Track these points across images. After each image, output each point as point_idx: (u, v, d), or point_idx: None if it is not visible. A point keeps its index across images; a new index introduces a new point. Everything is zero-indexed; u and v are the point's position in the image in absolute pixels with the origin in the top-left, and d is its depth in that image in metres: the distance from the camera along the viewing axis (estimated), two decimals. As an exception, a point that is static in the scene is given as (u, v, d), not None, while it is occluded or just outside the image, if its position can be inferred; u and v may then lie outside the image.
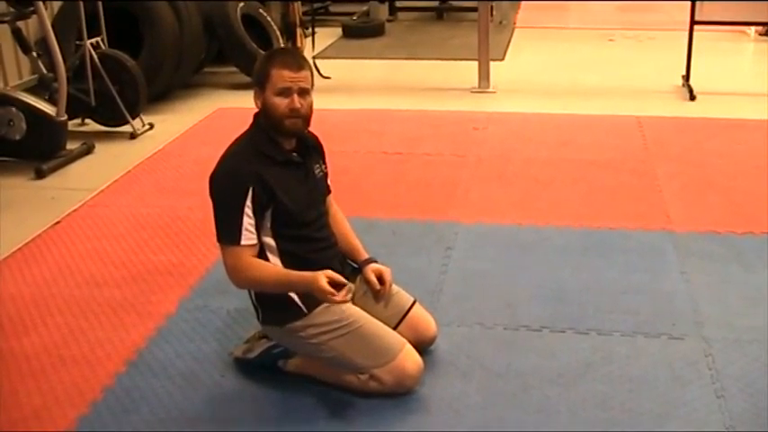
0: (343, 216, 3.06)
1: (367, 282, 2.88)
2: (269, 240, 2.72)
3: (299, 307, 2.71)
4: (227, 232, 2.66)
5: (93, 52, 5.46)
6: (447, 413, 2.68)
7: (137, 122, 5.69)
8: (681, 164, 4.90)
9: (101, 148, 5.40)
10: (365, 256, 2.94)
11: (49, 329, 3.22)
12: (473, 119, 5.87)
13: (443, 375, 2.86)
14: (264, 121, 2.73)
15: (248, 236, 2.65)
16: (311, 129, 2.85)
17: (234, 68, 6.92)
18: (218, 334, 3.16)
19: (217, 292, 3.44)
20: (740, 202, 4.33)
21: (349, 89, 6.87)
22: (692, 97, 6.30)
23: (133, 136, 5.61)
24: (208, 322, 3.25)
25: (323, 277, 2.57)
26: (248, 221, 2.64)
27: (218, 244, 2.71)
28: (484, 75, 6.73)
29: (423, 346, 2.88)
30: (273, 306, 2.76)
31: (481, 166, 4.94)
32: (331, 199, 3.02)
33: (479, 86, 6.72)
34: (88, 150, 5.32)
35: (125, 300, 3.44)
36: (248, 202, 2.63)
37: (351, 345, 2.70)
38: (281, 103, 2.67)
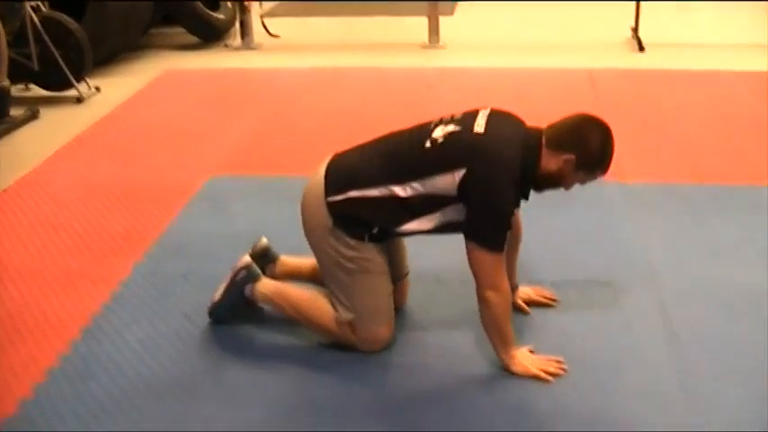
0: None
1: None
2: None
3: (362, 235, 2.66)
4: (498, 238, 2.55)
5: (34, 15, 5.33)
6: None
7: (82, 87, 5.59)
8: (631, 115, 4.94)
9: (46, 114, 5.29)
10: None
11: (3, 301, 3.17)
12: (424, 75, 5.85)
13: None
14: (543, 175, 2.61)
15: None
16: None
17: (181, 29, 6.80)
18: (174, 297, 3.14)
19: (170, 255, 3.42)
20: (691, 154, 4.39)
21: (298, 48, 6.80)
22: (641, 48, 6.35)
23: (80, 100, 5.51)
24: (162, 286, 3.22)
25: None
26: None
27: (474, 245, 2.56)
28: (434, 30, 6.71)
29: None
30: (348, 218, 2.67)
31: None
32: None
33: (429, 42, 6.70)
34: (33, 116, 5.21)
35: (78, 267, 3.40)
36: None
37: (363, 288, 2.71)
38: (574, 184, 2.67)
